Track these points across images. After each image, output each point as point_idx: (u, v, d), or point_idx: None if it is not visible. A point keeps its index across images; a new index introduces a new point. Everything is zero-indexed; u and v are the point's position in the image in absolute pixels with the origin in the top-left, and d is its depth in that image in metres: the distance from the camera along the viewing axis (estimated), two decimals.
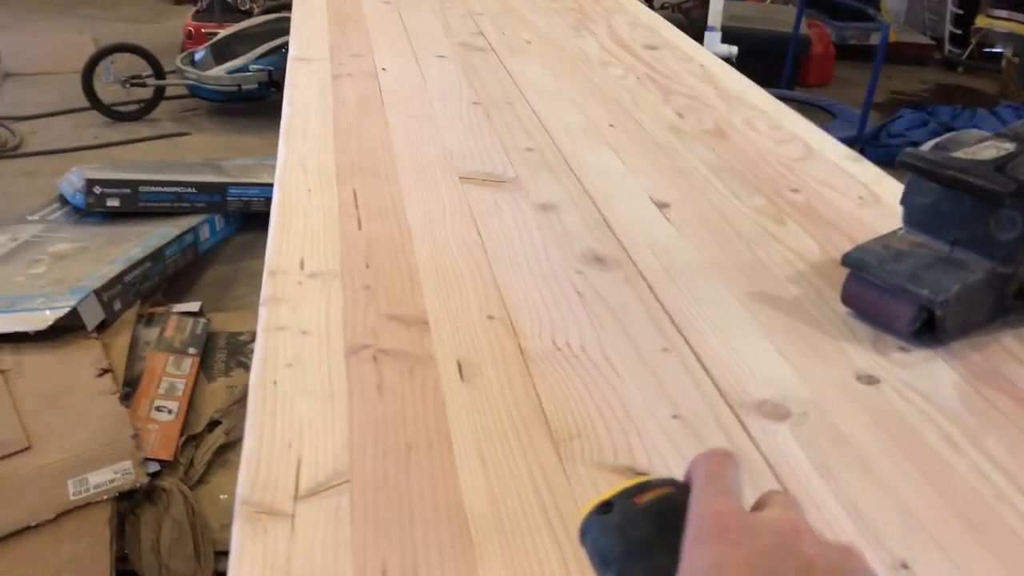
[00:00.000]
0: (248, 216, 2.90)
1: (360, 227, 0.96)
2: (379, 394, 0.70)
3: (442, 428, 0.67)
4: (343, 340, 0.76)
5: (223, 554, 1.68)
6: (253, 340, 2.32)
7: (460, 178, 1.09)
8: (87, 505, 1.65)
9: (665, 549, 0.38)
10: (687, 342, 0.79)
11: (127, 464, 1.73)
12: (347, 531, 0.57)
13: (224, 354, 2.23)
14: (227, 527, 1.68)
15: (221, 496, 1.81)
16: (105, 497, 1.67)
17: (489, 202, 1.03)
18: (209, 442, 1.92)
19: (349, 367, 0.73)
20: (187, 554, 1.67)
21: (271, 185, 3.14)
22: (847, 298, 0.84)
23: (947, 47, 6.00)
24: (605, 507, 0.40)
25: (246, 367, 2.18)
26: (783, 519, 0.38)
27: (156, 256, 2.44)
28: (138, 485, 1.70)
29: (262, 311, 0.80)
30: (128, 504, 1.71)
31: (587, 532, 0.40)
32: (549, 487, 0.62)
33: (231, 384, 2.12)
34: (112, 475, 1.72)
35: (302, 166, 1.09)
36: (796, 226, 1.01)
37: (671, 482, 0.42)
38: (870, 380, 0.75)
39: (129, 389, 1.99)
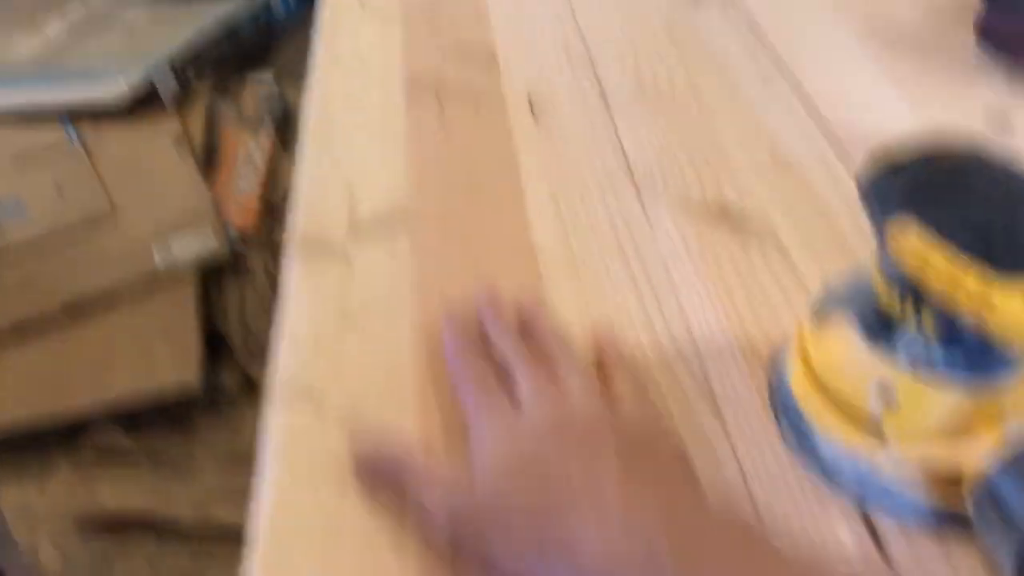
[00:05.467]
0: None
1: None
2: (443, 130, 0.64)
3: (511, 167, 0.60)
4: (405, 73, 0.70)
5: None
6: None
7: None
8: (174, 280, 1.67)
9: None
10: (790, 73, 0.69)
11: (208, 231, 1.74)
12: (407, 264, 0.52)
13: None
14: None
15: None
16: (190, 267, 1.69)
17: None
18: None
19: (410, 102, 0.66)
20: (269, 318, 1.70)
21: None
22: (982, 29, 0.73)
23: None
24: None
25: None
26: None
27: (229, 28, 2.37)
28: (221, 254, 1.72)
29: (317, 40, 0.73)
30: (215, 278, 1.74)
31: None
32: (628, 228, 0.55)
33: None
34: (194, 241, 1.73)
35: None
36: None
37: None
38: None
39: (207, 162, 1.98)
